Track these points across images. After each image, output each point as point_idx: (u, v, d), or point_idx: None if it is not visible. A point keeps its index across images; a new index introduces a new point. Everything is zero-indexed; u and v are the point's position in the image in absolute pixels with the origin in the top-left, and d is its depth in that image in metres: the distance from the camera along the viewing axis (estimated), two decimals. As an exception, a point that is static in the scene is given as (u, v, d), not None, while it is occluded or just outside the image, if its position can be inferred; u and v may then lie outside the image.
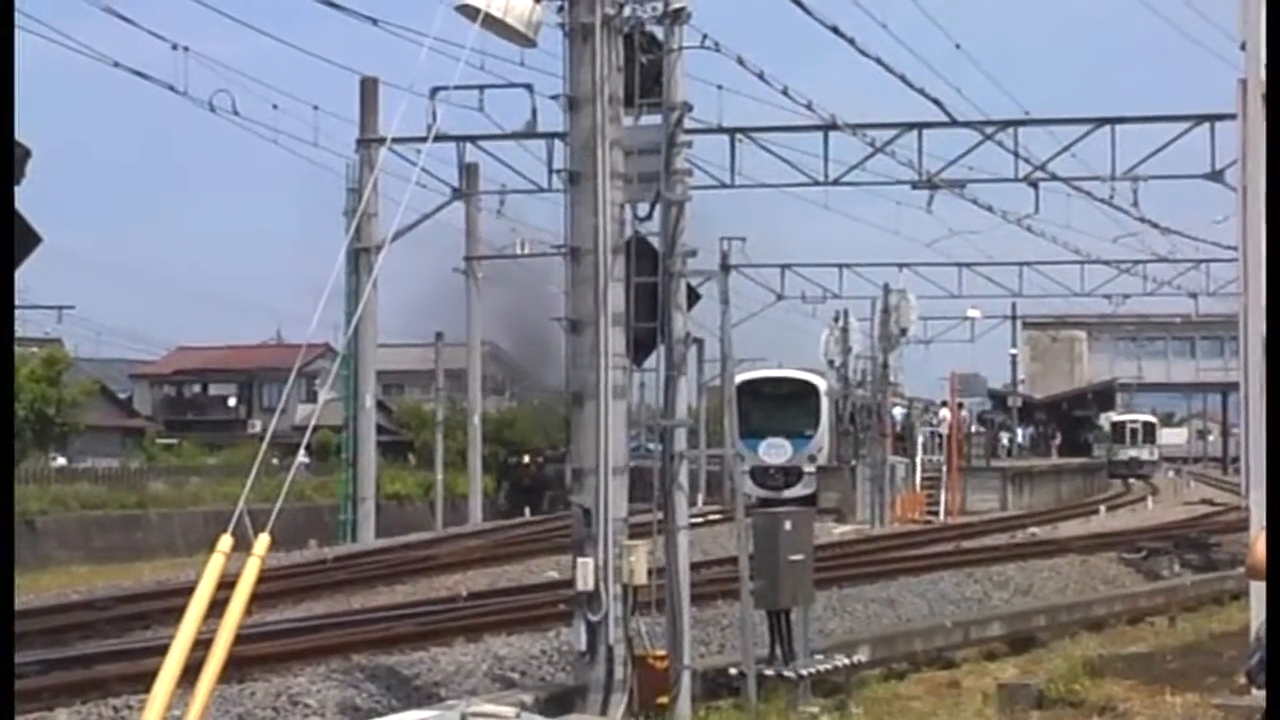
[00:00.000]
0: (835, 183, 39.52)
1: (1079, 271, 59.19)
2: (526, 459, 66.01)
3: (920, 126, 38.18)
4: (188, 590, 10.44)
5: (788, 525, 17.51)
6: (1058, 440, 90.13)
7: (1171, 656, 21.31)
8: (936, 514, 52.73)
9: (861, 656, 19.01)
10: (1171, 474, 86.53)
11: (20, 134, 9.43)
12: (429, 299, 55.26)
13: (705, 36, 24.18)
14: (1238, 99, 14.62)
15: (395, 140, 26.68)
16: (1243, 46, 14.47)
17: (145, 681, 12.80)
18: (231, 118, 35.00)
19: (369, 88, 40.21)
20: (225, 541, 9.88)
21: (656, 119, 15.95)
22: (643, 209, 16.02)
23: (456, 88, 30.88)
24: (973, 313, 71.91)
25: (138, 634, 21.64)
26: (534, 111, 34.42)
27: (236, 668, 16.12)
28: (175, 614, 11.53)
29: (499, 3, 14.95)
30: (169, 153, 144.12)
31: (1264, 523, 7.49)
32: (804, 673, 17.20)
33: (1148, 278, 60.15)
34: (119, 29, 30.63)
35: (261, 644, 18.79)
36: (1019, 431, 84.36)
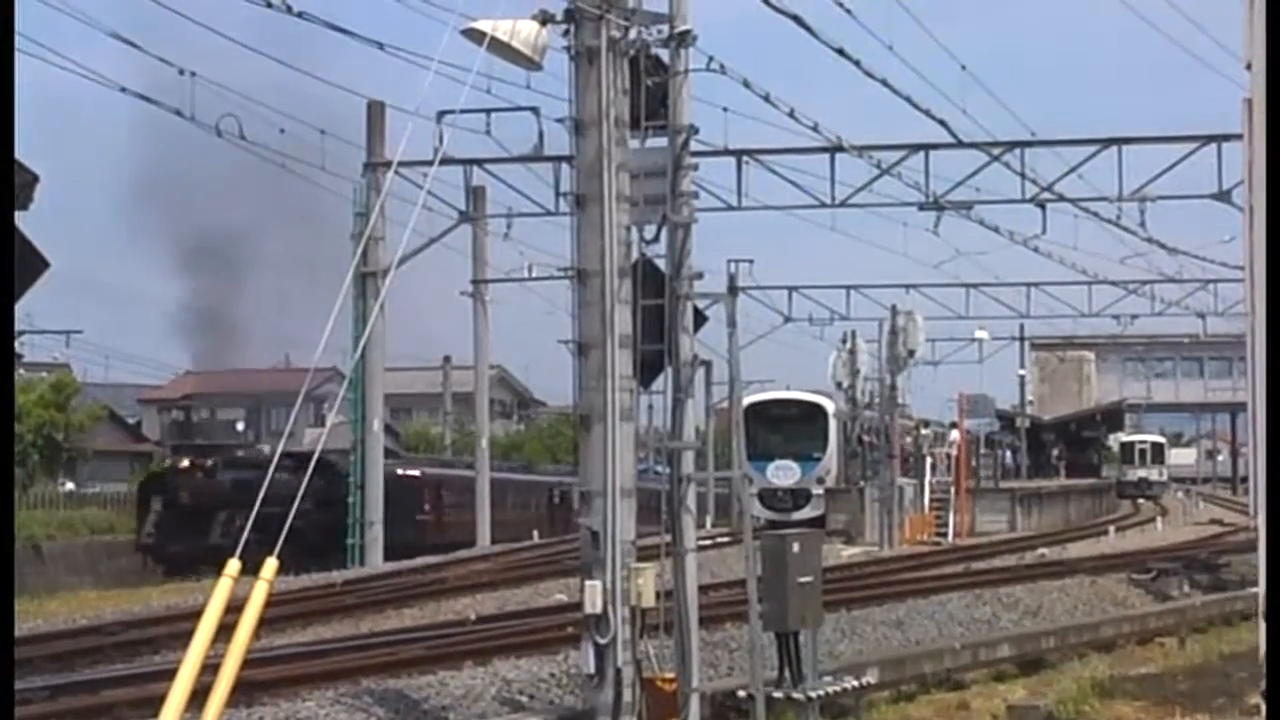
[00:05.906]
0: (842, 204, 39.44)
1: (1087, 292, 59.23)
2: (210, 462, 45.97)
3: (927, 148, 38.12)
4: (196, 615, 10.44)
5: (796, 547, 17.47)
6: (1063, 461, 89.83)
7: (1181, 677, 21.29)
8: (945, 535, 52.61)
9: (870, 678, 18.97)
10: (1180, 494, 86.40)
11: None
12: None
13: (711, 59, 24.20)
14: (1243, 119, 14.60)
15: (402, 164, 26.61)
16: (1248, 66, 14.47)
17: (153, 706, 12.75)
18: (238, 142, 35.00)
19: (376, 112, 40.24)
20: (233, 565, 9.89)
21: (662, 141, 15.97)
22: (649, 231, 16.03)
23: (463, 111, 30.92)
24: (980, 334, 71.92)
25: (146, 659, 21.63)
26: (540, 135, 34.39)
27: (244, 692, 16.10)
28: (183, 639, 11.53)
29: (505, 26, 14.97)
30: (176, 176, 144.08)
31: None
32: (813, 695, 17.15)
33: (1155, 298, 60.13)
34: (128, 55, 30.64)
35: (270, 668, 18.78)
36: (1009, 454, 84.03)
